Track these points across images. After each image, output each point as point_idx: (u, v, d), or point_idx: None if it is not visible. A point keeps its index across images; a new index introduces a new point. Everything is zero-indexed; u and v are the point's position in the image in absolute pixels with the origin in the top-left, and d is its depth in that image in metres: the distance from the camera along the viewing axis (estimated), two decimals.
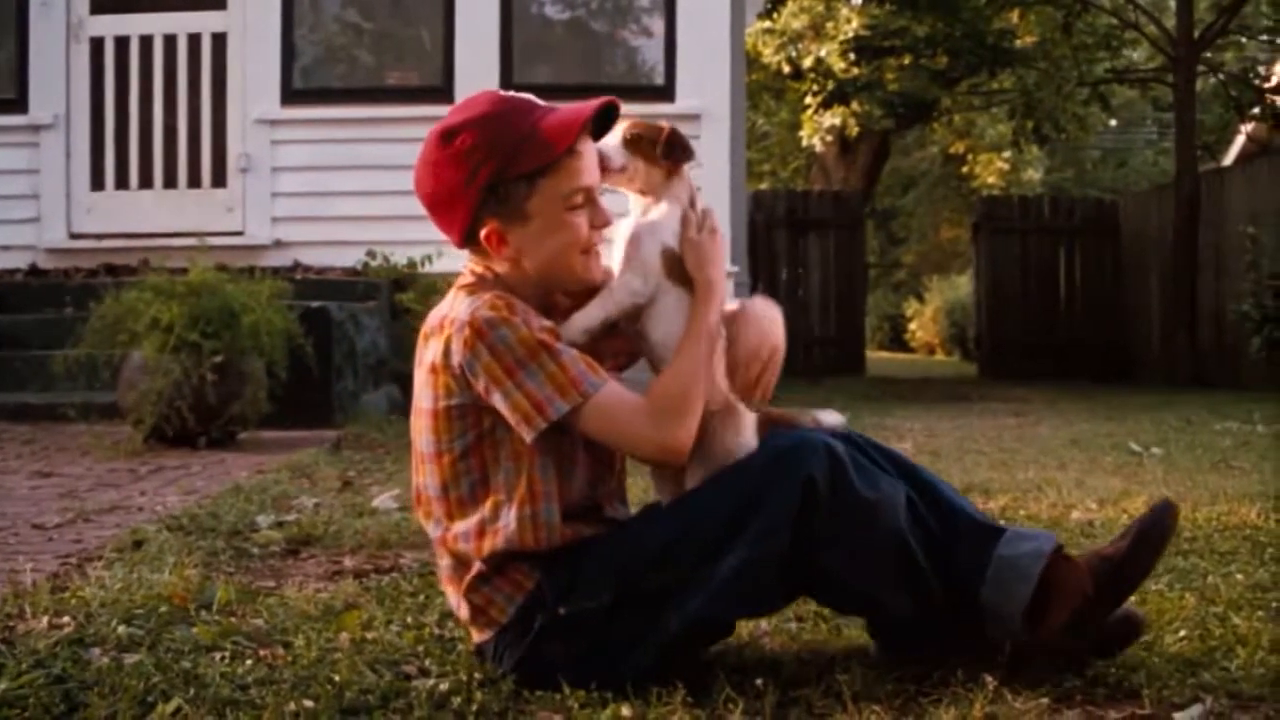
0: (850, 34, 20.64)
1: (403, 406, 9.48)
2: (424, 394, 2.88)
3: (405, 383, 9.67)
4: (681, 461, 2.85)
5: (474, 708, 2.70)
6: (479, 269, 2.93)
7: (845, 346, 20.10)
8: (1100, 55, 19.22)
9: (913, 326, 33.69)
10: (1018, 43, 18.76)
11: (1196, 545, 4.45)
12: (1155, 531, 2.88)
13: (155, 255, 9.70)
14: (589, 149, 2.88)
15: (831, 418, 3.06)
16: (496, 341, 2.73)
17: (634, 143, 2.91)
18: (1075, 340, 19.75)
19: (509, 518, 2.81)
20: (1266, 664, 2.96)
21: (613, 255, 2.97)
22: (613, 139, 2.93)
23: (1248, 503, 5.38)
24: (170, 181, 10.69)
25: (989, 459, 7.47)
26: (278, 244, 10.47)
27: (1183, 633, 3.20)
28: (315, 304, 8.36)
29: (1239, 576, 3.93)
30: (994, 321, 20.44)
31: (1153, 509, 2.93)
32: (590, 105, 2.85)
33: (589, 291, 2.96)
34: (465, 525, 2.85)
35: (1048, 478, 6.44)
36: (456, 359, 2.77)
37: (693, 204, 2.95)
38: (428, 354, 2.86)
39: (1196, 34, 17.14)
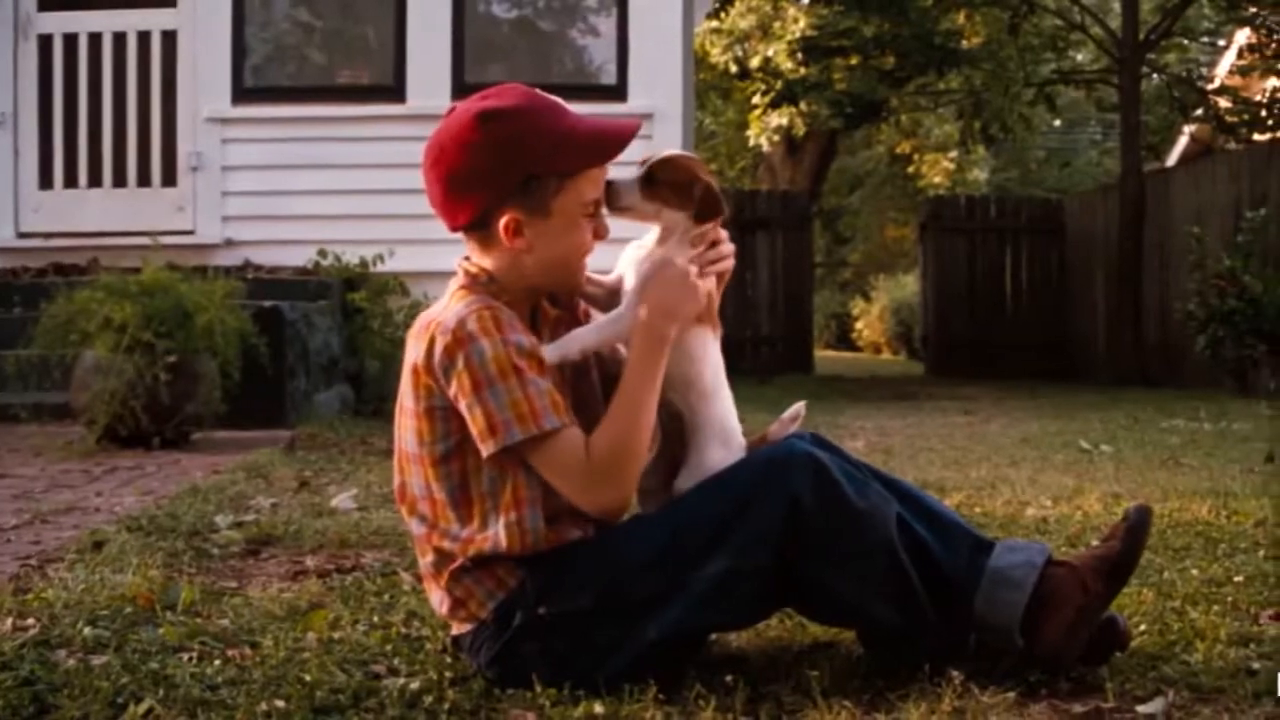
0: (798, 34, 20.70)
1: (355, 406, 9.47)
2: (409, 393, 2.90)
3: (357, 382, 9.70)
4: (616, 519, 2.89)
5: (446, 706, 2.71)
6: (473, 268, 2.94)
7: (793, 345, 20.16)
8: (1046, 56, 19.35)
9: (859, 326, 33.81)
10: (965, 44, 18.86)
11: (1151, 541, 4.46)
12: (1142, 530, 2.93)
13: (104, 255, 9.67)
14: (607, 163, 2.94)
15: (790, 411, 3.10)
16: (472, 354, 2.76)
17: (650, 184, 2.92)
18: (1021, 339, 19.90)
19: (496, 526, 2.83)
20: (1225, 657, 3.01)
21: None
22: (627, 174, 2.95)
23: (1198, 500, 5.45)
24: (120, 180, 10.59)
25: (942, 457, 7.54)
26: (228, 243, 10.40)
27: (1143, 627, 3.24)
28: (268, 304, 8.33)
29: (1194, 572, 3.99)
30: (941, 320, 20.58)
31: (1135, 510, 2.97)
32: (630, 125, 2.92)
33: (570, 305, 3.06)
34: (453, 530, 2.87)
35: (1001, 475, 6.51)
36: (435, 362, 2.80)
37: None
38: (411, 355, 2.88)
39: (1141, 35, 17.31)
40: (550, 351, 2.86)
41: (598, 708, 2.66)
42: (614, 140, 2.89)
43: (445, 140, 2.89)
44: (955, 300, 20.38)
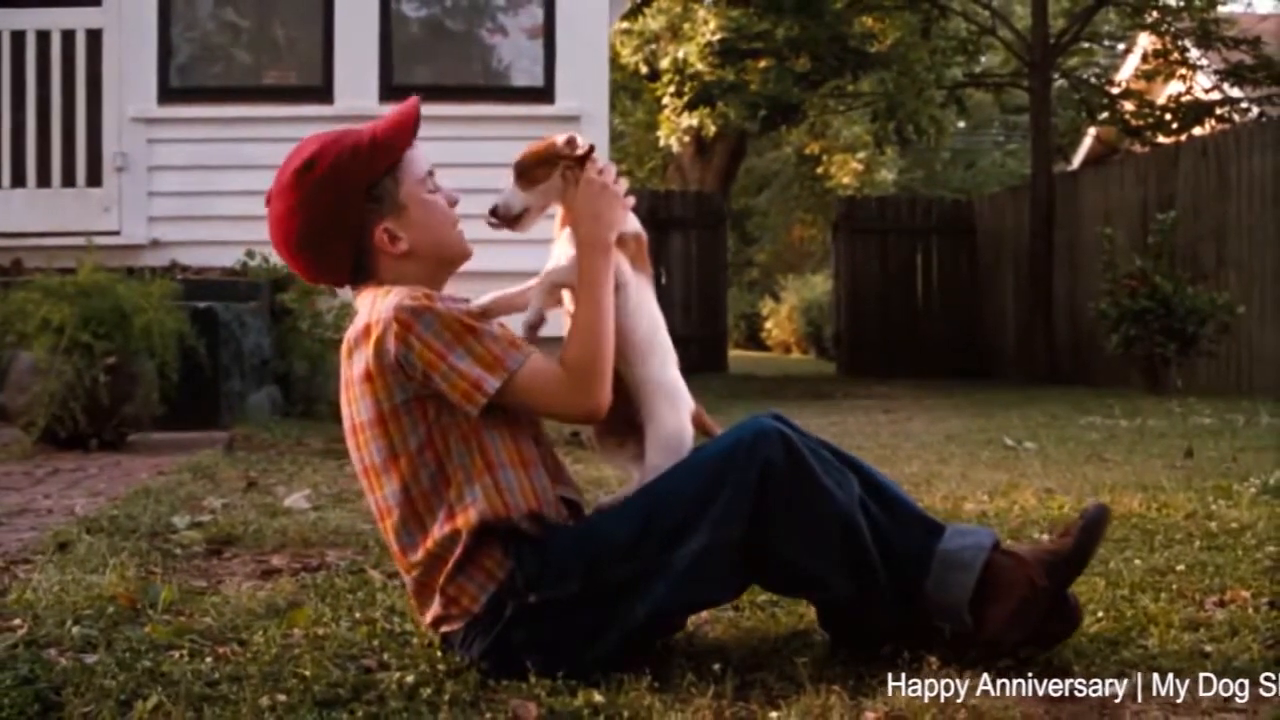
0: (709, 36, 20.82)
1: (284, 408, 9.46)
2: (361, 406, 2.97)
3: (285, 383, 9.69)
4: (601, 419, 3.00)
5: (446, 698, 2.77)
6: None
7: (708, 344, 20.31)
8: (957, 60, 19.64)
9: (769, 325, 34.05)
10: (876, 46, 19.08)
11: None
12: (1097, 528, 3.03)
13: (28, 255, 9.58)
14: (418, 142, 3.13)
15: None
16: (424, 329, 2.87)
17: (525, 174, 3.04)
18: (933, 338, 20.19)
19: (475, 492, 2.92)
20: (1179, 641, 3.17)
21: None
22: (507, 187, 3.05)
23: (1129, 493, 5.63)
24: (44, 180, 10.45)
25: (871, 454, 7.65)
26: (154, 244, 10.35)
27: (1099, 614, 3.39)
28: (202, 305, 8.32)
29: (1137, 562, 4.14)
30: (853, 320, 20.80)
31: (1092, 508, 3.08)
32: (410, 102, 3.13)
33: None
34: (438, 515, 2.94)
35: (933, 472, 6.66)
36: (392, 354, 2.88)
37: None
38: (357, 366, 2.96)
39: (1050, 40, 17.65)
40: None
41: (596, 696, 2.74)
42: (409, 119, 3.09)
43: (283, 217, 3.07)
44: (867, 300, 20.61)
